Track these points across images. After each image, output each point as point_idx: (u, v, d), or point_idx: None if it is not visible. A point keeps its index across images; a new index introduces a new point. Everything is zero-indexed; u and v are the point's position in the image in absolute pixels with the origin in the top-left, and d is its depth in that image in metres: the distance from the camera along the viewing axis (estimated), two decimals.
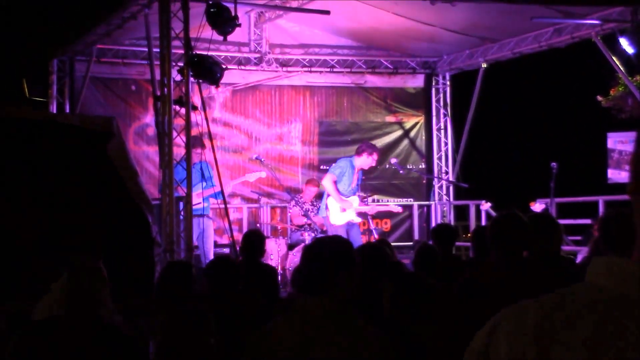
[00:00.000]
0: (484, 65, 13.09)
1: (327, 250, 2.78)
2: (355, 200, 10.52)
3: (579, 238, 10.34)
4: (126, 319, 4.77)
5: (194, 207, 9.78)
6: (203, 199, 9.67)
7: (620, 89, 11.82)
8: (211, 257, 9.59)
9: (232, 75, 12.87)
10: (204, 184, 9.64)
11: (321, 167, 13.70)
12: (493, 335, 1.13)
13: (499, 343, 1.11)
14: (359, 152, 10.56)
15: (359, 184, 10.69)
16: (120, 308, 4.82)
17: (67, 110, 12.22)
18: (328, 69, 13.86)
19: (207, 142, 9.44)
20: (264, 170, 11.47)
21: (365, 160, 10.53)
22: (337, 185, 10.36)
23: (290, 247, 10.98)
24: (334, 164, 10.73)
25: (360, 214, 10.71)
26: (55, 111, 12.06)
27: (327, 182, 10.43)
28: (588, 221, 10.85)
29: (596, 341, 1.05)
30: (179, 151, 9.23)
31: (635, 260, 1.12)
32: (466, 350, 1.17)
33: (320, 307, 2.64)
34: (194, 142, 9.33)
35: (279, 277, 9.04)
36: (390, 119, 14.46)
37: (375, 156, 10.62)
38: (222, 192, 9.29)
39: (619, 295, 1.08)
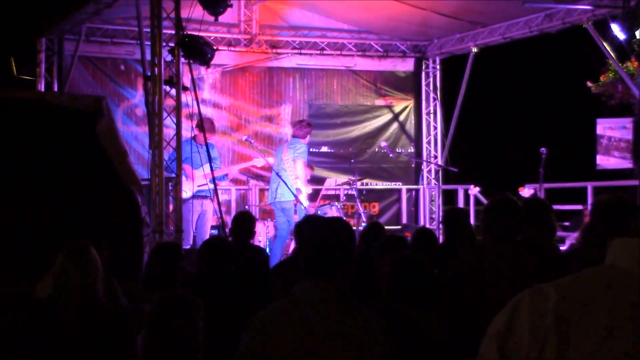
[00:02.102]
0: (475, 49, 13.06)
1: (339, 234, 2.75)
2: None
3: (567, 223, 10.37)
4: (130, 303, 4.78)
5: (199, 188, 9.70)
6: (209, 180, 9.46)
7: (610, 75, 11.83)
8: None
9: (222, 57, 12.79)
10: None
11: (311, 149, 13.65)
12: (513, 320, 1.11)
13: (521, 328, 1.09)
14: (304, 136, 10.43)
15: None
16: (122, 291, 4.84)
17: (56, 89, 12.13)
18: (318, 52, 13.80)
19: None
20: (260, 156, 11.17)
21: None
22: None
23: None
24: (295, 148, 10.36)
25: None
26: (43, 90, 11.95)
27: (302, 168, 10.30)
28: (576, 207, 10.89)
29: (612, 323, 1.03)
30: (168, 132, 9.17)
31: None
32: (485, 335, 1.15)
33: (323, 293, 2.62)
34: (208, 127, 9.30)
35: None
36: (379, 102, 14.44)
37: None
38: (212, 174, 9.20)
39: (636, 276, 1.06)
